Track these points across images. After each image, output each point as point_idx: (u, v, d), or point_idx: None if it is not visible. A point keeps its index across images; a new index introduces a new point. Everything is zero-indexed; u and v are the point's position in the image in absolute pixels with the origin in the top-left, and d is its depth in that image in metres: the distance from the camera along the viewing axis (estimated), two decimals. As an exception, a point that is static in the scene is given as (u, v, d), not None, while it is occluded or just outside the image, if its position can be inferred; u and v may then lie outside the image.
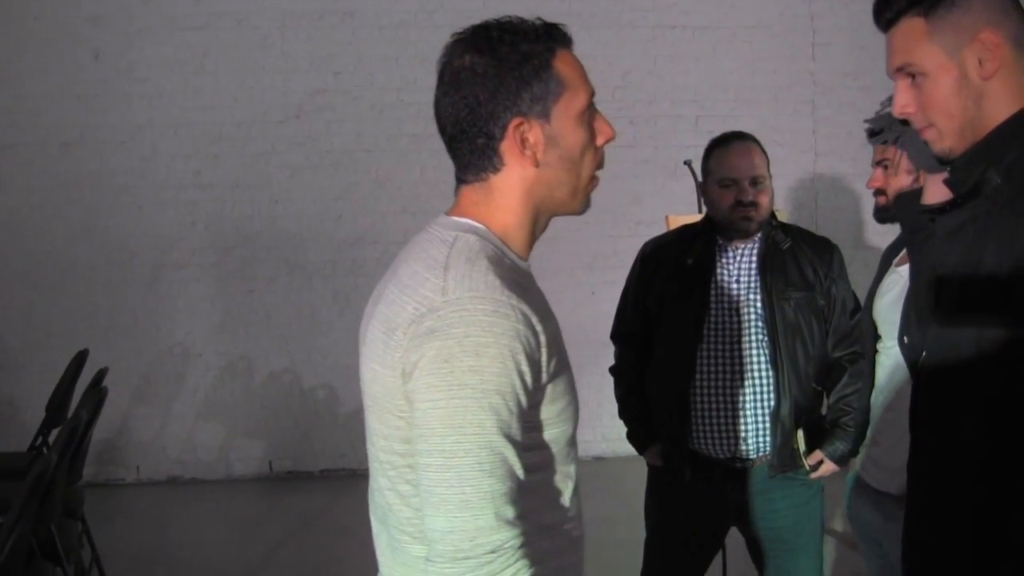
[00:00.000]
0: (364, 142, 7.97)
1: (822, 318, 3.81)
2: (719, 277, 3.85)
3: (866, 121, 2.93)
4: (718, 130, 4.10)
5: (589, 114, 2.01)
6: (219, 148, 7.88)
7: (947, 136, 2.05)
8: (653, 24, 8.18)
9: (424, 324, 1.81)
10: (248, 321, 8.04)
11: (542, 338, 1.84)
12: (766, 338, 3.74)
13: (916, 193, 2.38)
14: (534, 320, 1.82)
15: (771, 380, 3.73)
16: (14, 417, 7.59)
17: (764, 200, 3.77)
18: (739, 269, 3.82)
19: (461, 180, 2.02)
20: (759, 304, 3.76)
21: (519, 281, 1.91)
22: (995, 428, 1.88)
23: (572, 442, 2.00)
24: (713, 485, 3.83)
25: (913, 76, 2.05)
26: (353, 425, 8.12)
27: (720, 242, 3.85)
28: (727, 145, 3.84)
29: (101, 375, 5.76)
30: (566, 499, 1.99)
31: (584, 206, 2.07)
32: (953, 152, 2.05)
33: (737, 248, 3.83)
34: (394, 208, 7.94)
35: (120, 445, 7.89)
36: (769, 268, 3.77)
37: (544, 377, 1.85)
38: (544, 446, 1.92)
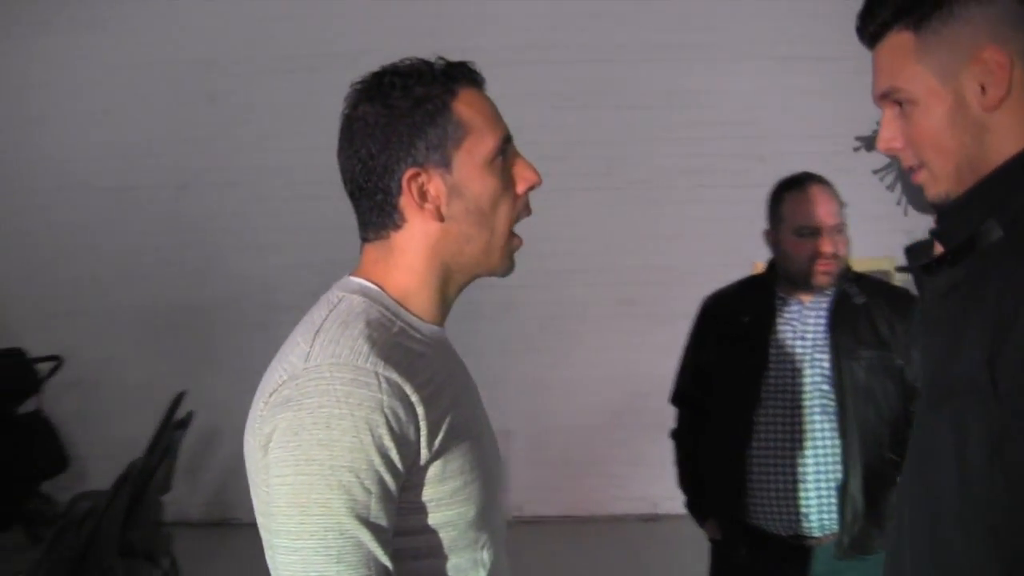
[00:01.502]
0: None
1: (900, 379, 3.40)
2: (779, 334, 3.51)
3: (856, 139, 2.55)
4: (855, 167, 3.74)
5: (503, 159, 1.85)
6: (331, 190, 7.78)
7: (941, 179, 1.69)
8: (778, 56, 7.86)
9: (282, 393, 1.67)
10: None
11: (419, 410, 1.67)
12: (833, 402, 3.39)
13: (928, 243, 1.87)
14: (409, 390, 1.66)
15: (838, 449, 3.38)
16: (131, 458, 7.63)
17: (844, 251, 3.42)
18: (804, 326, 3.48)
19: (363, 238, 1.89)
20: (826, 364, 3.42)
21: (410, 347, 1.75)
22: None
23: (481, 525, 1.80)
24: (772, 565, 3.51)
25: (900, 104, 1.70)
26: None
27: (781, 296, 3.53)
28: (803, 189, 3.48)
29: (187, 419, 5.72)
30: None
31: (505, 265, 1.93)
32: (949, 199, 1.69)
33: (802, 302, 3.50)
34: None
35: (233, 485, 7.86)
36: (838, 325, 3.42)
37: (424, 455, 1.69)
38: (431, 531, 1.74)
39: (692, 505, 3.90)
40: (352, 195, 1.88)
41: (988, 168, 1.63)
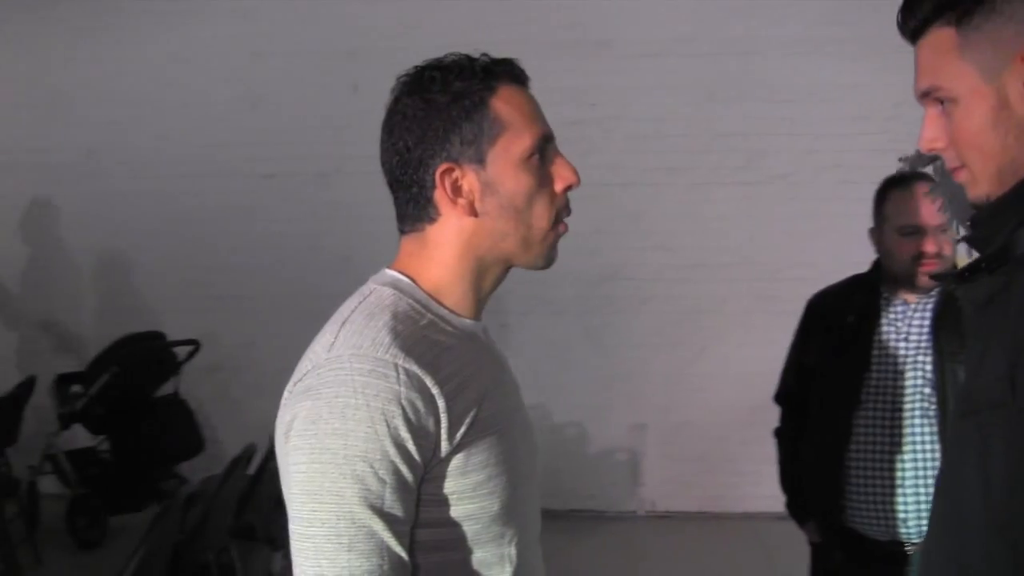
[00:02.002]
0: (620, 175, 7.78)
1: None
2: (883, 335, 3.44)
3: (900, 160, 2.50)
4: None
5: (540, 158, 1.84)
6: (472, 180, 7.88)
7: (982, 180, 1.62)
8: None
9: (305, 382, 1.71)
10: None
11: (440, 403, 1.67)
12: (934, 406, 3.31)
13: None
14: (430, 383, 1.66)
15: (938, 454, 3.30)
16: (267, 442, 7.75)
17: (949, 251, 3.32)
18: (908, 327, 3.41)
19: (400, 230, 1.90)
20: (928, 367, 3.33)
21: (437, 340, 1.75)
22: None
23: (507, 520, 1.78)
24: (869, 570, 3.46)
25: (942, 102, 1.63)
26: (603, 466, 8.08)
27: (886, 295, 3.46)
28: (908, 187, 3.40)
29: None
30: None
31: (545, 259, 1.91)
32: (990, 200, 1.62)
33: (908, 303, 3.43)
34: (649, 243, 7.79)
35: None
36: (943, 326, 3.32)
37: (445, 447, 1.68)
38: (454, 523, 1.73)
39: (792, 506, 3.87)
40: (390, 186, 1.88)
41: (1020, 172, 1.58)
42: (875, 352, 3.46)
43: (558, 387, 7.96)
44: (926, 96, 1.66)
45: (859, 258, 3.63)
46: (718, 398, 7.70)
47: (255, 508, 5.31)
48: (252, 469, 5.56)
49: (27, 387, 7.30)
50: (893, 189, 3.47)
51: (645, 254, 7.79)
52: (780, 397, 3.96)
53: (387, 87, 1.90)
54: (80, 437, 7.74)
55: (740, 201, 7.70)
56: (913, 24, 1.65)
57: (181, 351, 7.67)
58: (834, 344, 3.56)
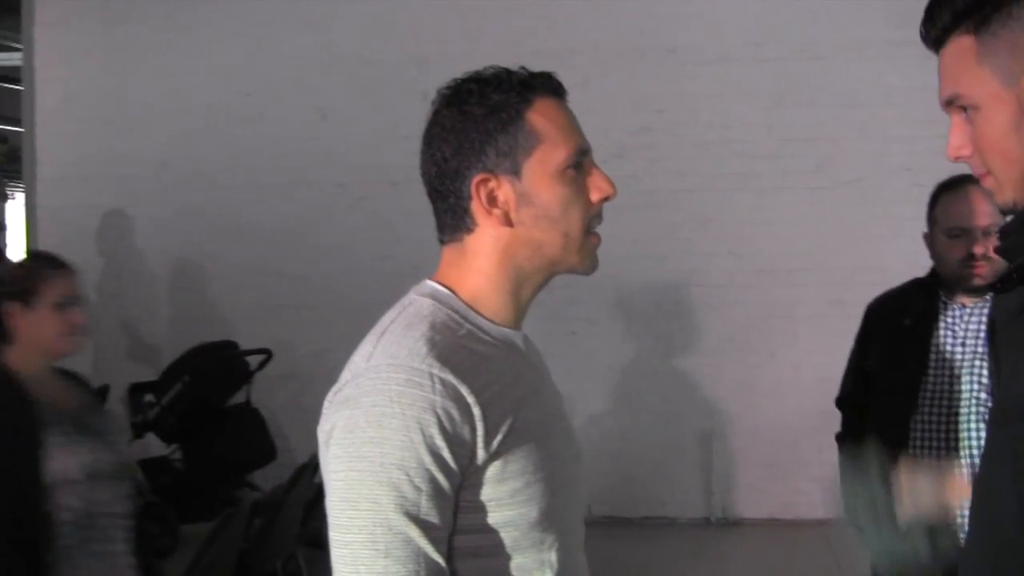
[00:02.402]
0: (687, 181, 7.84)
1: None
2: (940, 339, 3.39)
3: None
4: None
5: (575, 170, 1.86)
6: (537, 187, 7.93)
7: (1007, 186, 1.61)
8: None
9: (344, 392, 1.74)
10: (570, 362, 7.97)
11: (476, 411, 1.68)
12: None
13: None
14: (466, 391, 1.68)
15: None
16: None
17: None
18: (965, 331, 3.35)
19: (440, 240, 1.92)
20: (984, 372, 3.27)
21: (475, 349, 1.78)
22: None
23: (546, 526, 1.78)
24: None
25: (965, 110, 1.62)
26: (674, 473, 8.09)
27: (943, 299, 3.41)
28: (956, 190, 3.34)
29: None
30: None
31: (587, 264, 1.92)
32: (1017, 207, 1.62)
33: (964, 307, 3.37)
34: (719, 249, 7.79)
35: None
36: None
37: (481, 455, 1.70)
38: (492, 530, 1.75)
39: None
40: (430, 197, 1.90)
41: None
42: (932, 356, 3.44)
43: (629, 394, 7.98)
44: (950, 104, 1.65)
45: (929, 262, 3.62)
46: (789, 404, 7.67)
47: (322, 515, 5.35)
48: (320, 476, 5.61)
49: (101, 394, 7.36)
50: (944, 192, 3.45)
51: (715, 260, 7.79)
52: (841, 401, 3.96)
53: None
54: (153, 446, 7.85)
55: (810, 205, 7.69)
56: (934, 33, 1.65)
57: (253, 360, 7.77)
58: (892, 348, 3.55)
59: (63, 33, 8.85)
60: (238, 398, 7.89)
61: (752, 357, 7.84)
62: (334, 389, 1.76)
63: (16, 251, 8.38)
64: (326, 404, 1.76)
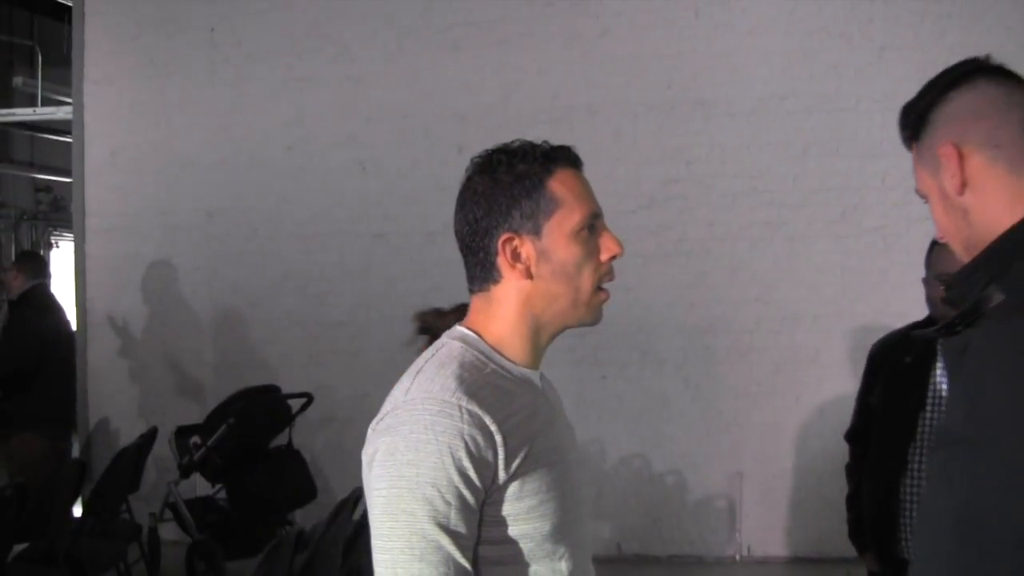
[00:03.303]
0: (716, 230, 8.02)
1: None
2: (937, 377, 3.69)
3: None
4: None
5: (588, 231, 2.12)
6: (575, 236, 8.10)
7: (958, 254, 1.95)
8: None
9: (385, 421, 2.00)
10: (601, 406, 8.19)
11: (498, 438, 1.95)
12: None
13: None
14: (489, 421, 1.95)
15: None
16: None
17: None
18: None
19: (470, 290, 2.18)
20: None
21: (499, 385, 2.05)
22: None
23: (558, 539, 2.05)
24: None
25: (926, 200, 2.00)
26: (703, 512, 8.19)
27: (942, 340, 3.69)
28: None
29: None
30: None
31: (592, 317, 2.16)
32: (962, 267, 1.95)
33: None
34: (747, 296, 7.95)
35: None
36: None
37: (502, 476, 1.97)
38: (511, 541, 2.01)
39: (853, 535, 4.09)
40: (461, 252, 2.17)
41: (985, 242, 1.86)
42: (930, 393, 3.72)
43: (658, 437, 8.14)
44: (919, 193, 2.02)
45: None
46: (814, 446, 7.80)
47: (363, 550, 5.52)
48: (359, 513, 5.77)
49: (149, 438, 7.60)
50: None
51: (743, 306, 7.94)
52: (849, 435, 4.21)
53: (488, 147, 2.22)
54: (199, 486, 8.02)
55: (835, 253, 7.84)
56: (905, 144, 2.01)
57: (295, 403, 7.92)
58: (894, 385, 3.85)
59: (112, 89, 9.08)
60: (280, 440, 8.04)
61: (779, 401, 7.97)
62: (376, 419, 2.03)
63: (65, 299, 8.59)
64: (369, 432, 2.04)
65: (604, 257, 2.14)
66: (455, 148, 7.90)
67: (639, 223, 8.05)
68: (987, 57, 1.95)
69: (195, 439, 7.73)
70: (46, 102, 11.18)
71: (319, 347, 8.58)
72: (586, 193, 2.15)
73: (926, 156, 1.94)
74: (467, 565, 1.94)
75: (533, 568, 2.04)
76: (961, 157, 1.87)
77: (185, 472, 7.74)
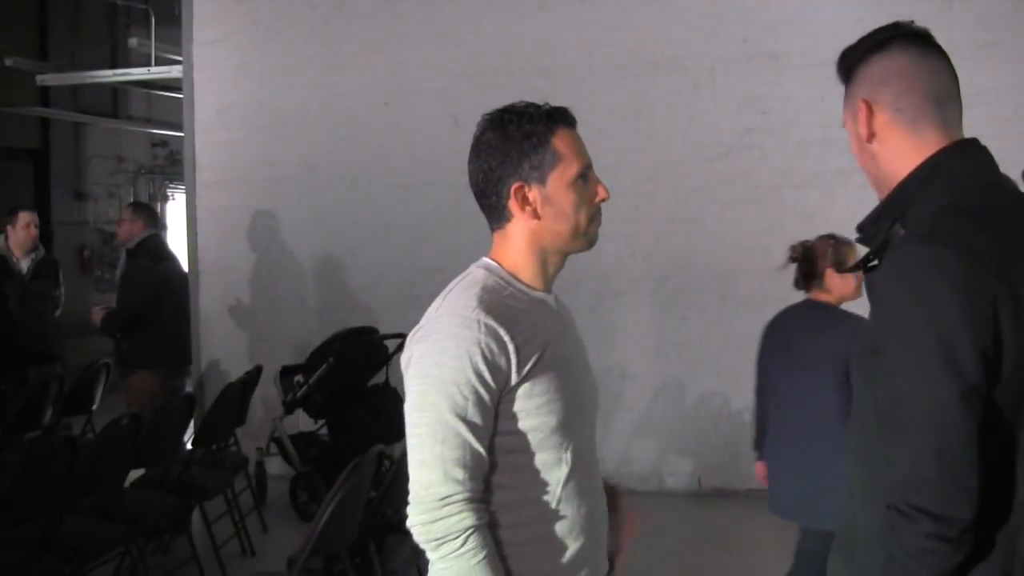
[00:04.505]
0: (791, 178, 8.26)
1: None
2: None
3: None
4: None
5: (583, 180, 2.52)
6: (655, 185, 8.46)
7: (874, 189, 2.34)
8: None
9: (419, 332, 2.45)
10: (681, 346, 8.51)
11: (510, 347, 2.36)
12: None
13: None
14: (503, 332, 2.36)
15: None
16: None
17: None
18: None
19: (491, 228, 2.60)
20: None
21: (514, 305, 2.46)
22: None
23: (564, 433, 2.46)
24: None
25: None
26: (778, 448, 8.41)
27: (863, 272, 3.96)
28: None
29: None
30: (554, 479, 2.46)
31: (588, 245, 2.59)
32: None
33: None
34: None
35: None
36: None
37: (515, 378, 2.37)
38: (522, 433, 2.43)
39: None
40: (477, 196, 2.59)
41: (889, 185, 2.24)
42: None
43: (737, 376, 8.35)
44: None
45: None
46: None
47: None
48: None
49: (255, 374, 7.93)
50: None
51: None
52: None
53: (574, 101, 2.64)
54: (302, 422, 8.51)
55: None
56: (841, 83, 2.39)
57: (392, 344, 8.21)
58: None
59: (220, 50, 9.55)
60: (378, 378, 8.44)
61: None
62: (414, 331, 2.47)
63: (178, 249, 9.03)
64: (408, 340, 2.47)
65: (596, 201, 2.56)
66: (542, 102, 8.24)
67: (717, 171, 8.36)
68: (910, 23, 2.30)
69: (298, 378, 8.17)
70: (159, 62, 11.54)
71: (415, 291, 8.88)
72: (581, 149, 2.55)
73: (850, 102, 2.32)
74: (481, 451, 2.36)
75: (541, 456, 2.45)
76: (871, 113, 2.25)
77: (289, 408, 8.17)
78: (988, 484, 1.95)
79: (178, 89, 10.53)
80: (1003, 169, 2.20)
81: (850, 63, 2.34)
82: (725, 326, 8.41)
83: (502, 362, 2.36)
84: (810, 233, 8.16)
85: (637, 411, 8.55)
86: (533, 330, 2.44)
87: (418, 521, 2.36)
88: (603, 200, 2.59)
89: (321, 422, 8.39)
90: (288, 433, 8.25)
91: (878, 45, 2.29)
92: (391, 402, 8.23)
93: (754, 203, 8.32)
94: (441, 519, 2.33)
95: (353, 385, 8.28)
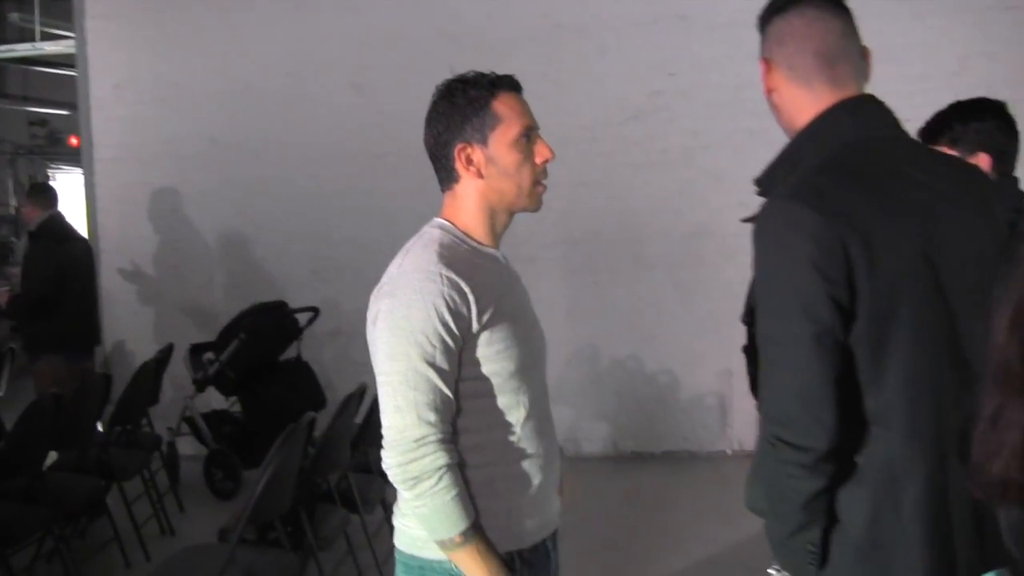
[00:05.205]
0: (701, 139, 8.29)
1: None
2: None
3: None
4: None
5: (525, 140, 2.68)
6: (565, 150, 8.14)
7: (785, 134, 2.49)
8: (987, 6, 8.04)
9: (384, 288, 2.60)
10: (593, 310, 8.53)
11: (471, 298, 2.53)
12: None
13: None
14: (463, 284, 2.52)
15: None
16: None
17: None
18: None
19: (442, 189, 2.78)
20: None
21: (470, 260, 2.64)
22: None
23: (521, 378, 2.65)
24: None
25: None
26: (695, 409, 8.56)
27: None
28: None
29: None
30: (514, 420, 2.66)
31: (534, 205, 2.75)
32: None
33: None
34: (730, 202, 7.95)
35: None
36: None
37: (475, 326, 2.55)
38: (484, 378, 2.61)
39: None
40: (430, 158, 2.76)
41: (789, 134, 2.43)
42: None
43: (650, 338, 8.47)
44: None
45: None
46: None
47: (369, 444, 5.86)
48: (362, 415, 6.06)
49: (167, 352, 7.90)
50: None
51: (727, 211, 7.98)
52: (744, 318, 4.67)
53: (479, 67, 2.69)
54: (214, 400, 8.41)
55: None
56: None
57: (303, 318, 8.26)
58: None
59: (113, 24, 9.34)
60: (290, 353, 8.37)
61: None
62: (377, 287, 2.61)
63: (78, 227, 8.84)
64: (373, 296, 2.61)
65: (539, 160, 2.70)
66: (447, 68, 8.11)
67: (626, 134, 8.37)
68: None
69: (208, 355, 8.09)
70: (44, 37, 11.31)
71: (325, 264, 8.91)
72: (523, 111, 2.69)
73: (762, 55, 2.49)
74: (450, 394, 2.54)
75: (501, 400, 2.64)
76: (770, 69, 2.45)
77: (200, 387, 8.08)
78: (848, 417, 2.19)
79: (60, 65, 10.30)
80: (915, 124, 2.30)
81: (760, 24, 2.51)
82: (638, 289, 8.47)
83: (464, 311, 2.52)
84: (721, 193, 8.31)
85: (552, 377, 8.22)
86: (488, 282, 2.61)
87: (394, 463, 2.54)
88: (546, 160, 2.71)
89: (233, 399, 8.31)
90: (200, 412, 8.17)
91: (780, 7, 2.45)
92: (304, 377, 8.32)
93: (664, 165, 8.36)
94: (416, 459, 2.51)
95: (265, 361, 8.22)
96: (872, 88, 7.39)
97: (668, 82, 8.27)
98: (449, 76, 2.66)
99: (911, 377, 2.21)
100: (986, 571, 2.27)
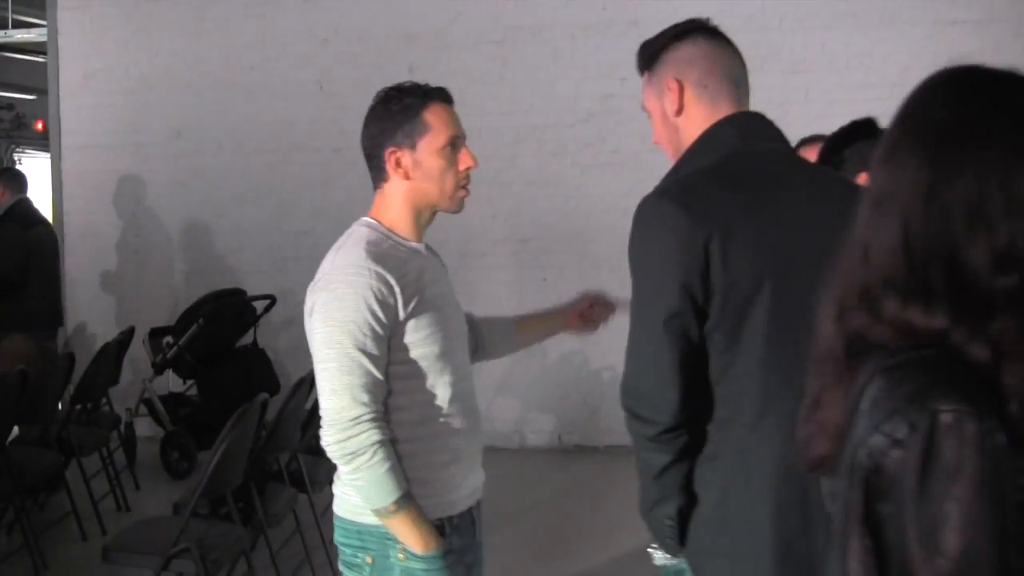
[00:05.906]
0: (649, 142, 8.26)
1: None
2: None
3: None
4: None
5: (451, 149, 2.90)
6: (517, 149, 8.65)
7: (671, 158, 2.65)
8: (932, 20, 8.24)
9: (319, 283, 2.83)
10: (542, 306, 8.66)
11: (396, 289, 2.77)
12: None
13: None
14: (390, 277, 2.76)
15: None
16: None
17: None
18: None
19: (374, 187, 3.00)
20: None
21: (395, 254, 2.85)
22: None
23: (445, 360, 2.90)
24: None
25: (650, 115, 2.68)
26: (637, 405, 8.66)
27: None
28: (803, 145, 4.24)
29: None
30: (441, 398, 2.90)
31: (455, 207, 2.98)
32: None
33: None
34: None
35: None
36: None
37: (402, 314, 2.79)
38: (411, 361, 2.86)
39: None
40: (365, 159, 2.96)
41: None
42: None
43: (596, 335, 8.47)
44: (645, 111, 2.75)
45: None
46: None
47: (319, 427, 6.00)
48: (315, 396, 6.22)
49: (128, 335, 8.07)
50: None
51: None
52: None
53: (437, 66, 2.97)
54: (171, 383, 8.59)
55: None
56: (639, 71, 2.72)
57: (259, 305, 8.43)
58: None
59: (84, 15, 9.49)
60: (246, 339, 8.58)
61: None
62: (313, 282, 2.85)
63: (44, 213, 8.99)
64: (309, 290, 2.84)
65: (462, 167, 2.93)
66: (406, 68, 8.33)
67: (577, 135, 8.59)
68: (707, 20, 2.65)
69: (167, 339, 8.26)
70: (16, 25, 11.39)
71: (282, 254, 9.08)
72: (451, 121, 2.91)
73: (655, 83, 2.64)
74: (381, 377, 2.79)
75: (429, 381, 2.89)
76: (681, 89, 2.57)
77: (159, 370, 8.26)
78: (703, 399, 2.42)
79: (31, 52, 10.37)
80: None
81: (654, 50, 2.65)
82: (585, 286, 8.35)
83: (391, 301, 2.77)
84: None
85: (499, 370, 8.65)
86: (413, 275, 2.84)
87: (333, 440, 2.80)
88: (469, 168, 2.94)
89: (190, 383, 8.47)
90: (158, 394, 8.33)
91: (682, 34, 2.61)
92: (259, 362, 8.48)
93: (614, 166, 8.52)
94: (353, 436, 2.76)
95: (222, 346, 8.40)
96: (814, 96, 7.70)
97: (619, 86, 8.37)
98: (408, 75, 2.88)
99: (763, 364, 2.37)
100: (814, 543, 2.37)
